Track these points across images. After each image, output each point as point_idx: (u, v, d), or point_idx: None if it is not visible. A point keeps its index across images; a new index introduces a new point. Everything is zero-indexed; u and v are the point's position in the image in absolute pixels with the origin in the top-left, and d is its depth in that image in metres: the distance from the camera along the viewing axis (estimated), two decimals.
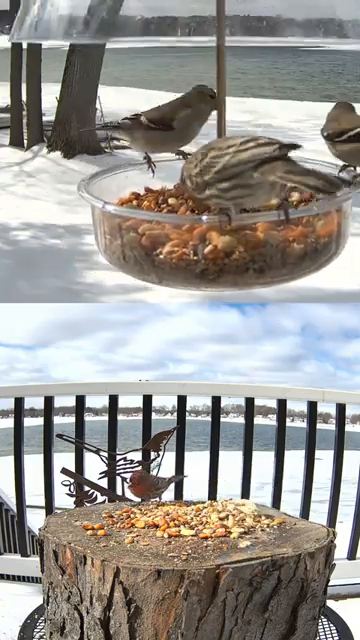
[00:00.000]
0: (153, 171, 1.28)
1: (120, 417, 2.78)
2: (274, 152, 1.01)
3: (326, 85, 21.71)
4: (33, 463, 2.88)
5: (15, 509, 2.89)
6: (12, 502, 3.08)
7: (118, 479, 1.88)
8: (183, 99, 1.27)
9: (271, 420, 2.79)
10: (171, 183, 1.25)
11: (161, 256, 1.07)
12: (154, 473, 1.86)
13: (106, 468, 1.88)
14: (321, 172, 1.00)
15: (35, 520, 2.72)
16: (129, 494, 1.77)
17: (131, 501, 1.79)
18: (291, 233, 1.08)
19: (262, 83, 20.88)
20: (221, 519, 1.54)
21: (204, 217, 1.08)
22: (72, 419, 2.71)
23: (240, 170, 1.02)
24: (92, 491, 1.89)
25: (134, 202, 1.22)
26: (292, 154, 1.03)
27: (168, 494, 2.27)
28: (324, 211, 1.10)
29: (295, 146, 1.02)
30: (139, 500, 1.74)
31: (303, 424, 2.83)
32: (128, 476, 1.83)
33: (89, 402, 2.83)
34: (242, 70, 21.68)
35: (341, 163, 1.23)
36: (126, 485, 1.78)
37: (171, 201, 1.19)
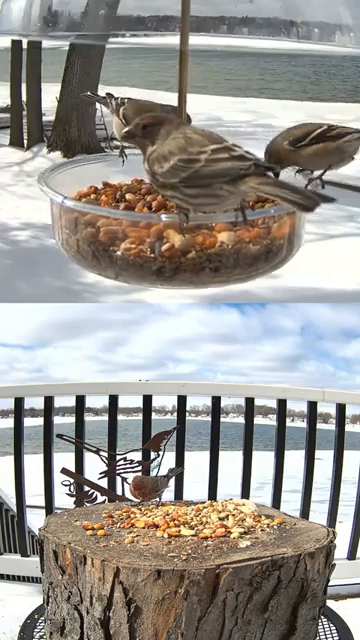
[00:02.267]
0: (123, 161, 1.28)
1: (120, 417, 2.78)
2: (248, 169, 0.99)
3: (326, 85, 21.72)
4: (33, 463, 2.88)
5: (15, 509, 2.88)
6: (12, 502, 3.08)
7: (118, 479, 1.88)
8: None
9: (271, 420, 2.79)
10: (129, 177, 1.26)
11: (118, 252, 1.08)
12: (154, 473, 1.86)
13: (106, 468, 1.88)
14: (296, 186, 0.97)
15: (35, 520, 2.72)
16: (129, 494, 1.77)
17: (131, 501, 1.79)
18: (247, 234, 1.08)
19: (262, 83, 20.88)
20: (221, 519, 1.55)
21: (163, 216, 1.08)
22: (72, 419, 2.71)
23: (210, 182, 1.00)
24: (92, 491, 1.89)
25: (92, 196, 1.22)
26: None
27: (168, 494, 2.27)
28: (281, 213, 1.10)
29: (272, 168, 1.01)
30: (139, 500, 1.74)
31: (303, 424, 2.84)
32: (128, 476, 1.83)
33: (89, 402, 2.83)
34: (242, 70, 21.70)
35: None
36: (127, 486, 1.78)
37: (128, 196, 1.19)
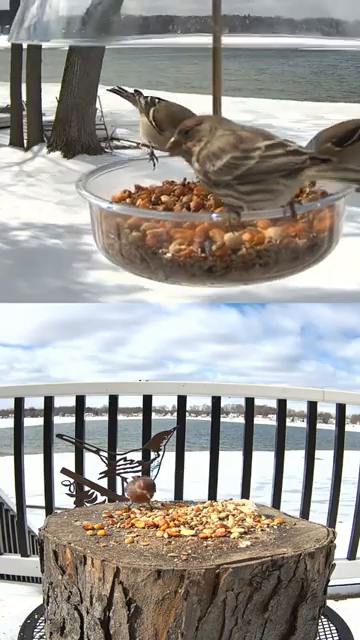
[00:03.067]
0: (154, 164, 1.28)
1: (120, 417, 2.78)
2: (304, 164, 1.00)
3: (327, 85, 21.72)
4: (33, 463, 2.89)
5: (15, 509, 2.88)
6: (12, 502, 3.08)
7: (118, 479, 1.88)
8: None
9: (271, 420, 2.79)
10: (152, 180, 1.27)
11: (169, 254, 1.08)
12: (154, 473, 1.86)
13: (106, 468, 1.88)
14: (354, 166, 0.99)
15: (35, 520, 2.72)
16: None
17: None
18: (292, 229, 1.10)
19: (262, 83, 20.88)
20: (221, 519, 1.55)
21: (214, 215, 1.08)
22: (72, 419, 2.71)
23: (266, 177, 1.00)
24: (92, 491, 1.89)
25: (127, 200, 1.22)
26: None
27: (168, 494, 2.27)
28: (326, 205, 1.12)
29: (327, 160, 1.01)
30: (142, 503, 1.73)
31: (303, 424, 2.84)
32: (128, 476, 1.83)
33: (89, 402, 2.84)
34: (242, 70, 21.68)
35: None
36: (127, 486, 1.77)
37: (164, 198, 1.20)
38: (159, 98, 1.31)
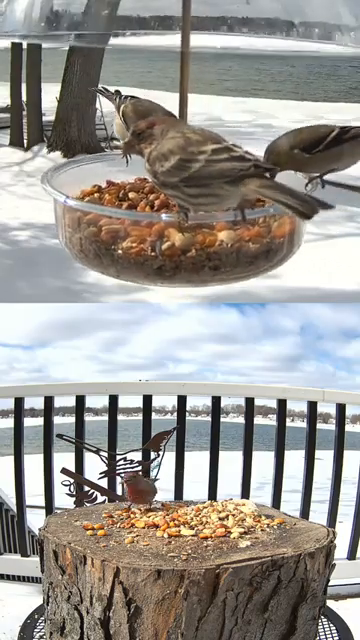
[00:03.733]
0: (127, 161, 1.27)
1: (120, 417, 2.78)
2: (248, 170, 0.99)
3: (327, 85, 21.72)
4: (33, 463, 2.88)
5: (15, 509, 2.88)
6: (12, 502, 3.07)
7: (118, 479, 1.88)
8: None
9: (271, 420, 2.79)
10: (132, 176, 1.27)
11: (120, 251, 1.09)
12: (154, 473, 1.86)
13: (106, 468, 1.88)
14: (296, 191, 0.97)
15: (35, 520, 2.72)
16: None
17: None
18: (247, 233, 1.09)
19: (262, 83, 20.87)
20: (221, 519, 1.55)
21: (163, 215, 1.08)
22: (72, 419, 2.71)
23: (211, 182, 1.00)
24: (92, 491, 1.89)
25: (96, 195, 1.23)
26: None
27: (168, 494, 2.27)
28: (280, 212, 1.09)
29: (271, 169, 1.00)
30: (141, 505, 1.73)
31: (303, 424, 2.83)
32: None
33: (89, 402, 2.83)
34: (243, 70, 21.68)
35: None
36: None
37: (132, 195, 1.20)
38: (133, 96, 1.31)
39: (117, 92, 1.34)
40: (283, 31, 1.07)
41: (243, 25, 1.08)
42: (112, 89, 1.36)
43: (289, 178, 1.19)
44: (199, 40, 1.11)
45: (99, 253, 1.10)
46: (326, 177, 1.21)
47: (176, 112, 1.18)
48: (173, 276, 1.08)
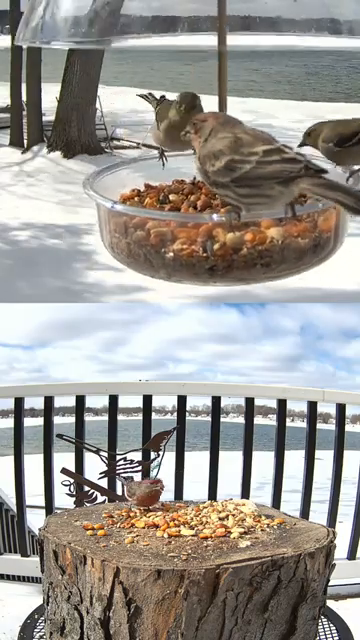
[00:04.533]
0: (164, 164, 1.30)
1: (120, 417, 2.78)
2: (299, 172, 1.00)
3: (327, 85, 21.72)
4: (33, 463, 2.88)
5: (15, 509, 2.88)
6: (12, 502, 3.08)
7: (118, 480, 1.88)
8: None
9: (271, 420, 2.79)
10: (159, 180, 1.27)
11: (171, 253, 1.09)
12: (154, 473, 1.86)
13: (106, 468, 1.88)
14: (348, 188, 0.99)
15: (35, 520, 2.72)
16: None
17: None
18: (295, 229, 1.10)
19: (263, 83, 20.88)
20: (221, 519, 1.55)
21: (215, 216, 1.09)
22: (72, 419, 2.71)
23: (262, 182, 1.01)
24: (92, 491, 1.89)
25: (136, 199, 1.23)
26: None
27: (168, 494, 2.26)
28: (329, 206, 1.11)
29: (322, 171, 1.01)
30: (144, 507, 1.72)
31: (303, 424, 2.84)
32: (129, 478, 1.82)
33: (89, 402, 2.83)
34: (243, 70, 21.67)
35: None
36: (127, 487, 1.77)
37: (172, 197, 1.20)
38: (166, 99, 1.33)
39: (162, 97, 1.36)
40: (284, 30, 1.07)
41: (246, 23, 1.08)
42: (157, 95, 1.38)
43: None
44: (199, 40, 1.11)
45: (149, 257, 1.11)
46: None
47: None
48: (225, 275, 1.09)
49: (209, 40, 1.09)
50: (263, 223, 1.09)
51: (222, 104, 1.17)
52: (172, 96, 1.31)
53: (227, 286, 1.12)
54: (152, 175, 1.29)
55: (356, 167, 1.23)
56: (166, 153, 1.32)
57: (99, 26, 1.10)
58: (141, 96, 1.42)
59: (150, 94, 1.39)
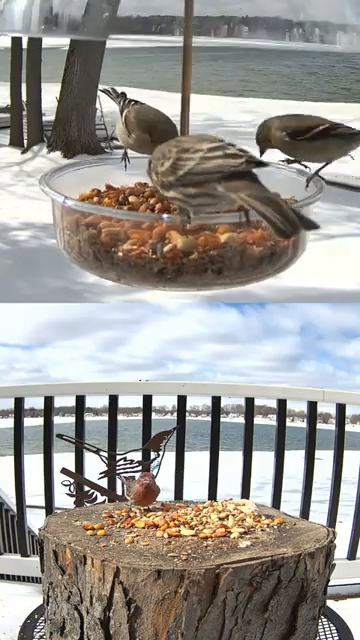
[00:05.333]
0: (126, 165, 1.28)
1: (120, 417, 2.78)
2: (239, 166, 0.98)
3: (324, 85, 21.73)
4: (33, 463, 2.88)
5: (15, 509, 2.88)
6: (12, 502, 3.08)
7: (118, 479, 1.88)
8: None
9: (271, 420, 2.79)
10: (132, 180, 1.26)
11: (120, 253, 1.07)
12: (154, 473, 1.86)
13: (106, 468, 1.88)
14: (284, 206, 0.95)
15: (35, 520, 2.72)
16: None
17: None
18: (251, 236, 1.08)
19: (262, 83, 20.88)
20: (221, 519, 1.55)
21: (165, 216, 1.07)
22: (72, 419, 2.71)
23: (204, 179, 1.00)
24: (92, 491, 1.89)
25: (95, 199, 1.22)
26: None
27: (168, 494, 2.27)
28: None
29: (262, 164, 0.99)
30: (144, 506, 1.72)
31: (303, 424, 2.83)
32: (128, 477, 1.82)
33: (89, 402, 2.83)
34: (242, 70, 21.69)
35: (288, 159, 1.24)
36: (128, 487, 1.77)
37: (132, 199, 1.19)
38: (137, 101, 1.30)
39: (123, 94, 1.33)
40: (286, 31, 1.07)
41: (243, 24, 1.08)
42: (119, 90, 1.35)
43: (292, 183, 1.20)
44: (198, 40, 1.11)
45: (98, 256, 1.09)
46: (328, 178, 1.21)
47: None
48: (175, 279, 1.07)
49: (206, 40, 1.09)
50: (220, 228, 1.07)
51: (185, 104, 1.15)
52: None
53: (177, 291, 1.10)
54: (118, 176, 1.27)
55: (311, 174, 1.21)
56: (133, 154, 1.29)
57: (94, 23, 1.09)
58: (103, 91, 1.39)
59: (113, 89, 1.36)
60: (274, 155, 1.23)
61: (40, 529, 1.53)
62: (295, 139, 1.20)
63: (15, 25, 1.10)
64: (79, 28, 1.08)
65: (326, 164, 1.22)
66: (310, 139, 1.19)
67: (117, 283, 1.11)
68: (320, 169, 1.21)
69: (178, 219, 1.05)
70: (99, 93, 11.64)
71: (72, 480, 1.88)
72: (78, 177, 1.24)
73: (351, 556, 2.81)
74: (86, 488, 1.92)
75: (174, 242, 1.06)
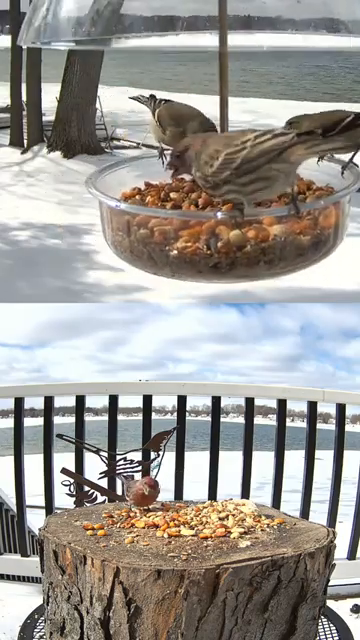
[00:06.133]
0: (164, 162, 1.30)
1: (120, 417, 2.78)
2: (292, 140, 1.03)
3: (326, 85, 21.74)
4: (33, 463, 2.88)
5: (15, 509, 2.88)
6: (12, 502, 3.08)
7: (118, 479, 1.88)
8: None
9: (271, 420, 2.79)
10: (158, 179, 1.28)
11: (175, 251, 1.10)
12: (154, 473, 1.86)
13: (106, 468, 1.88)
14: (335, 136, 1.03)
15: (35, 520, 2.72)
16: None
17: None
18: (297, 226, 1.11)
19: (260, 83, 20.88)
20: (221, 519, 1.55)
21: (219, 213, 1.10)
22: (72, 419, 2.71)
23: (260, 162, 1.04)
24: (92, 491, 1.89)
25: (137, 197, 1.24)
26: None
27: (168, 494, 2.27)
28: (330, 203, 1.13)
29: (312, 133, 1.05)
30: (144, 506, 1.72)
31: (303, 424, 2.83)
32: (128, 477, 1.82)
33: (89, 402, 2.83)
34: (243, 70, 21.67)
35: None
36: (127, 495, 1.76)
37: (173, 195, 1.21)
38: (167, 100, 1.35)
39: (152, 96, 1.37)
40: (285, 30, 1.07)
41: (247, 24, 1.08)
42: (146, 94, 1.40)
43: (321, 169, 1.23)
44: (199, 40, 1.11)
45: (153, 255, 1.12)
46: None
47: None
48: (229, 272, 1.10)
49: (209, 40, 1.10)
50: (265, 220, 1.10)
51: (223, 105, 1.17)
52: (172, 96, 1.31)
53: (230, 283, 1.13)
54: (151, 173, 1.29)
55: (346, 161, 1.25)
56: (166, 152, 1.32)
57: (100, 26, 1.10)
58: (134, 98, 1.44)
59: (142, 95, 1.41)
60: None
61: (40, 529, 1.53)
62: (326, 136, 1.23)
63: (63, 33, 1.12)
64: (82, 32, 1.09)
65: (357, 151, 1.26)
66: (339, 132, 1.23)
67: (171, 278, 1.13)
68: (353, 156, 1.25)
69: (231, 214, 1.07)
70: (99, 93, 11.66)
71: (72, 480, 1.88)
72: (114, 177, 1.27)
73: (351, 556, 2.81)
74: (86, 488, 1.92)
75: (225, 237, 1.08)
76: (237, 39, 1.10)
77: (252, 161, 1.04)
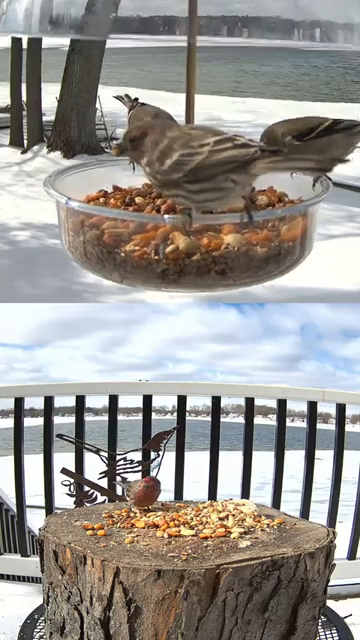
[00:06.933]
0: (134, 167, 1.28)
1: (120, 417, 2.78)
2: (254, 154, 0.97)
3: (326, 85, 21.75)
4: (33, 463, 2.89)
5: (15, 509, 2.88)
6: (12, 502, 3.08)
7: (118, 479, 1.88)
8: None
9: (271, 420, 2.79)
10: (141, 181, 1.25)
11: (122, 254, 1.07)
12: (154, 473, 1.86)
13: (106, 468, 1.88)
14: (304, 155, 0.98)
15: (35, 520, 2.72)
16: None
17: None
18: (255, 237, 1.07)
19: (262, 83, 20.89)
20: (221, 519, 1.55)
21: (166, 217, 1.06)
22: (72, 419, 2.71)
23: (214, 172, 0.98)
24: (92, 491, 1.89)
25: (101, 200, 1.21)
26: None
27: (168, 494, 2.27)
28: (288, 214, 1.09)
29: (277, 151, 0.98)
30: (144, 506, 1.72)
31: (303, 424, 2.84)
32: (128, 477, 1.82)
33: (89, 402, 2.84)
34: (242, 70, 21.70)
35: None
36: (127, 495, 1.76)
37: (138, 200, 1.18)
38: (143, 103, 1.31)
39: (135, 99, 1.34)
40: (284, 30, 1.07)
41: (245, 24, 1.08)
42: (146, 94, 1.38)
43: (295, 182, 1.19)
44: (199, 40, 1.10)
45: (102, 257, 1.09)
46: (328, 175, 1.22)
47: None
48: (177, 280, 1.06)
49: (206, 40, 1.09)
50: (224, 229, 1.06)
51: (190, 105, 1.14)
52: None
53: (181, 292, 1.09)
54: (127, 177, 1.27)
55: (318, 174, 1.22)
56: None
57: (95, 24, 1.09)
58: (117, 97, 1.41)
59: (126, 95, 1.38)
60: None
61: (40, 529, 1.53)
62: (302, 140, 1.20)
63: (18, 25, 1.10)
64: (81, 28, 1.08)
65: (320, 176, 1.21)
66: (316, 138, 1.20)
67: (121, 284, 1.11)
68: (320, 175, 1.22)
69: (180, 219, 1.03)
70: (99, 93, 11.67)
71: (72, 480, 1.88)
72: (86, 178, 1.24)
73: (351, 556, 2.81)
74: (86, 488, 1.92)
75: (177, 243, 1.05)
76: (237, 39, 1.10)
77: (206, 169, 0.98)
